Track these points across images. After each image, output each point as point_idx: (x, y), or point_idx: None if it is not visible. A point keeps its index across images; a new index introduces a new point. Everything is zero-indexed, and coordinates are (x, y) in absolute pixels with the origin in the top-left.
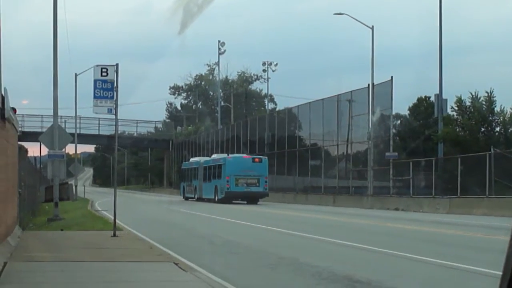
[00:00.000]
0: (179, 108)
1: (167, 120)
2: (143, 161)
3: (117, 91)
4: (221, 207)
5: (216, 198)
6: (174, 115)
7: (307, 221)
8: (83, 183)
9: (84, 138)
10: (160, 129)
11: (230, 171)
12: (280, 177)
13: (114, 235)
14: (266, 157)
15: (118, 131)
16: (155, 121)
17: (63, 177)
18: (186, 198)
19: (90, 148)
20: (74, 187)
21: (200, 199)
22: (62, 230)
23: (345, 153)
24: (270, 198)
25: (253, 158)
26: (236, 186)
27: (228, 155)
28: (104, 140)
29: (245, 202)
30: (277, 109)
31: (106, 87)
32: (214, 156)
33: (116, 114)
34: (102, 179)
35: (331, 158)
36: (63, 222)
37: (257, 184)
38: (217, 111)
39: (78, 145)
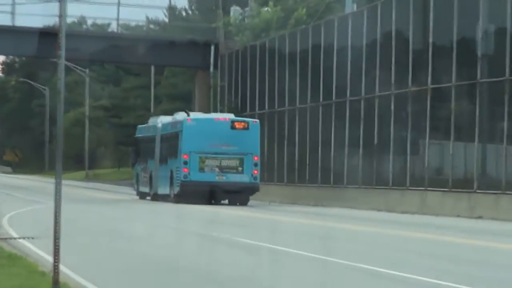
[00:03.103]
0: None
1: None
2: (135, 102)
3: None
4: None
5: (172, 193)
6: None
7: None
8: None
9: None
10: (184, 16)
11: (190, 144)
12: None
13: None
14: (258, 121)
15: (65, 18)
16: None
17: None
18: (142, 195)
19: None
20: None
21: (156, 197)
22: None
23: None
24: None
25: (233, 122)
26: (201, 172)
27: (187, 114)
28: (28, 44)
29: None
30: None
31: None
32: (176, 116)
33: None
34: (23, 149)
35: None
36: None
37: (239, 169)
38: None
39: None
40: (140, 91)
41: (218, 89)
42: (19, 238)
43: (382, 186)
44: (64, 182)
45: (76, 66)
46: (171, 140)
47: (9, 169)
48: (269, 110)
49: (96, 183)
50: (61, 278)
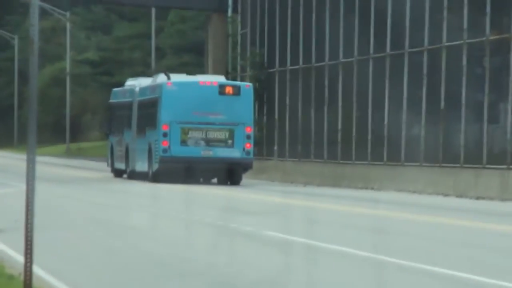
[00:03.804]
0: None
1: None
2: (131, 56)
3: None
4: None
5: (150, 171)
6: None
7: None
8: None
9: None
10: None
11: (171, 113)
12: None
13: None
14: (251, 84)
15: None
16: None
17: None
18: (117, 172)
19: None
20: None
21: (133, 175)
22: None
23: None
24: None
25: (222, 87)
26: (184, 146)
27: (168, 77)
28: None
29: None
30: None
31: None
32: (156, 79)
33: None
34: None
35: None
36: None
37: (229, 142)
38: None
39: None
40: (138, 41)
41: (239, 38)
42: None
43: (451, 163)
44: (39, 158)
45: (54, 8)
46: (150, 108)
47: None
48: (304, 66)
49: (80, 159)
50: (35, 283)
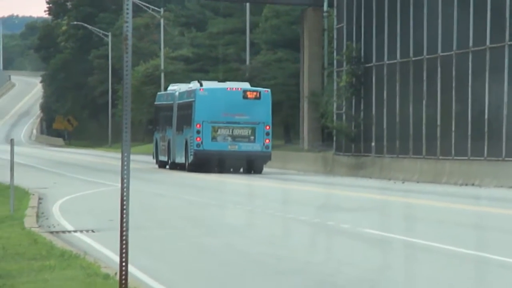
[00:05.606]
0: None
1: None
2: (226, 52)
3: None
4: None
5: (187, 162)
6: None
7: None
8: (6, 133)
9: None
10: None
11: (203, 114)
12: None
13: None
14: (269, 90)
15: None
16: None
17: None
18: (161, 163)
19: (30, 8)
20: None
21: (174, 165)
22: None
23: None
24: None
25: (245, 92)
26: (214, 141)
27: (200, 84)
28: None
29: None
30: None
31: None
32: (191, 85)
33: None
34: (79, 115)
35: None
36: None
37: (251, 137)
38: None
39: None
40: (232, 37)
41: (334, 32)
42: (75, 231)
43: None
44: (133, 157)
45: (148, 5)
46: (186, 109)
47: (60, 141)
48: (401, 60)
49: None
50: (130, 283)
